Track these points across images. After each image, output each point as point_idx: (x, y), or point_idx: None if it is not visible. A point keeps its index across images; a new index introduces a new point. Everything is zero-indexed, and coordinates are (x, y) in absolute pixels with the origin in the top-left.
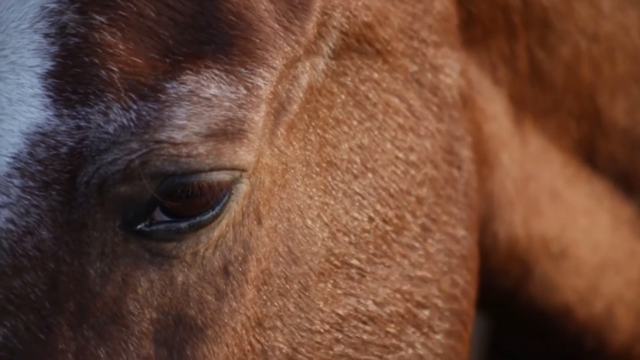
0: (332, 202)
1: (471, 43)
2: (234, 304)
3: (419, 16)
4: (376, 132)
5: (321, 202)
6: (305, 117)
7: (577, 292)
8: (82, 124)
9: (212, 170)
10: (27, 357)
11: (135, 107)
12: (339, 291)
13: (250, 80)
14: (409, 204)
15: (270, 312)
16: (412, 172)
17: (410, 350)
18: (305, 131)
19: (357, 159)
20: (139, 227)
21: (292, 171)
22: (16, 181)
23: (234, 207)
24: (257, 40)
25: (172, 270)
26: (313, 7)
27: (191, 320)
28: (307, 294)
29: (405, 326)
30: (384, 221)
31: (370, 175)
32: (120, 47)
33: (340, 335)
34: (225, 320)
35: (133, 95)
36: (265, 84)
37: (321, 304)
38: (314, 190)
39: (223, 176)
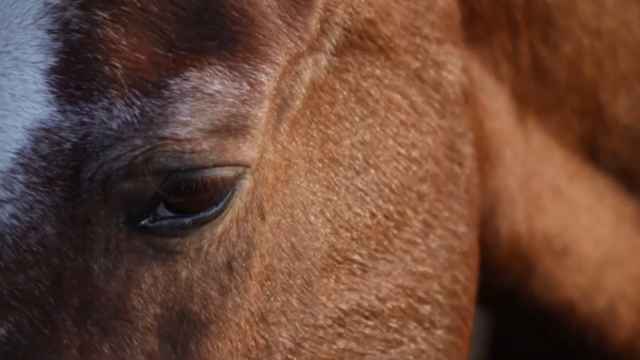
0: (334, 197)
1: (473, 40)
2: (238, 299)
3: (421, 13)
4: (378, 129)
5: (324, 197)
6: (308, 113)
7: (579, 288)
8: (86, 120)
9: (215, 166)
10: (32, 353)
11: (138, 103)
12: (341, 286)
13: (253, 77)
14: (410, 200)
15: (273, 307)
16: (414, 168)
17: (412, 345)
18: (308, 127)
19: (359, 155)
20: (142, 223)
21: (295, 167)
22: (20, 177)
23: (238, 203)
24: (260, 37)
25: (176, 265)
26: (316, 3)
27: (195, 316)
28: (310, 289)
29: (407, 321)
30: (386, 217)
31: (372, 171)
32: (124, 43)
33: (343, 330)
34: (229, 316)
35: (136, 92)
36: (268, 80)
37: (324, 299)
38: (317, 186)
39: (226, 172)
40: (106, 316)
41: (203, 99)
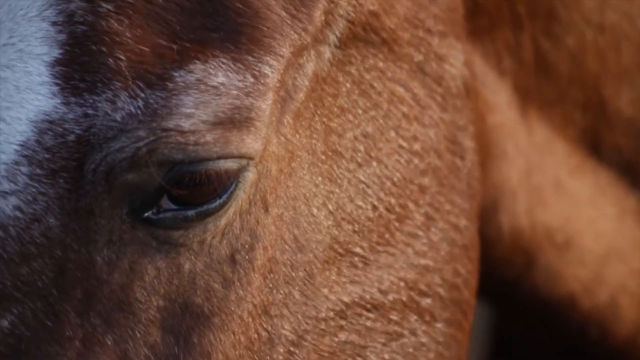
0: (337, 190)
1: (476, 34)
2: (241, 291)
3: (424, 5)
4: (381, 121)
5: (326, 190)
6: (311, 105)
7: (581, 282)
8: (90, 111)
9: (219, 158)
10: (35, 344)
11: (142, 95)
12: (343, 279)
13: (257, 69)
14: (412, 192)
15: (276, 299)
16: (416, 161)
17: (412, 338)
18: (311, 120)
19: (362, 148)
20: (146, 215)
21: (298, 159)
22: (24, 169)
23: (241, 195)
24: (265, 28)
25: (179, 258)
26: None
27: (198, 308)
28: (312, 281)
29: (408, 314)
30: (388, 210)
31: (374, 163)
32: (128, 35)
33: (344, 323)
34: (232, 308)
35: (140, 84)
36: (272, 72)
37: (326, 292)
38: (320, 178)
39: (230, 164)
40: (109, 308)
41: (207, 91)
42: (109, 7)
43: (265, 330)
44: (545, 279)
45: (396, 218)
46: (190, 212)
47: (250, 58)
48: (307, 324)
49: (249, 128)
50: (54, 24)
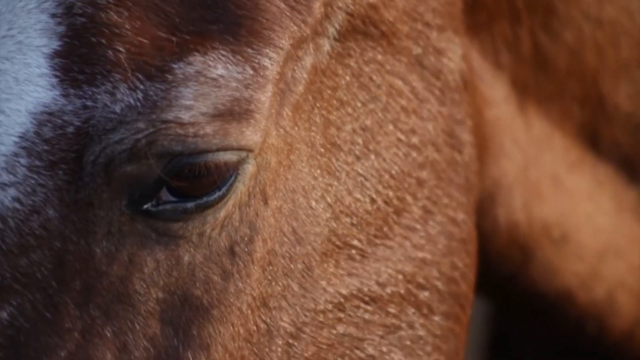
0: (335, 183)
1: (475, 28)
2: (240, 284)
3: None
4: (379, 114)
5: (325, 183)
6: (310, 98)
7: (578, 277)
8: (89, 103)
9: (218, 150)
10: (34, 336)
11: (142, 87)
12: (341, 271)
13: (257, 61)
14: (410, 186)
15: (275, 292)
16: (414, 154)
17: (410, 331)
18: (310, 112)
19: (360, 141)
20: (145, 206)
21: (297, 152)
22: (23, 160)
23: (241, 187)
24: (264, 20)
25: (179, 250)
26: None
27: (197, 300)
28: (310, 274)
29: (406, 307)
30: (386, 203)
31: (372, 156)
32: (127, 26)
33: (342, 315)
34: (231, 300)
35: (140, 76)
36: (271, 65)
37: (324, 284)
38: (318, 171)
39: (230, 156)
40: (108, 300)
41: (206, 83)
42: None
43: (264, 322)
44: (542, 274)
45: (394, 211)
46: (190, 204)
47: (249, 50)
48: (305, 316)
49: (249, 120)
50: (53, 15)
